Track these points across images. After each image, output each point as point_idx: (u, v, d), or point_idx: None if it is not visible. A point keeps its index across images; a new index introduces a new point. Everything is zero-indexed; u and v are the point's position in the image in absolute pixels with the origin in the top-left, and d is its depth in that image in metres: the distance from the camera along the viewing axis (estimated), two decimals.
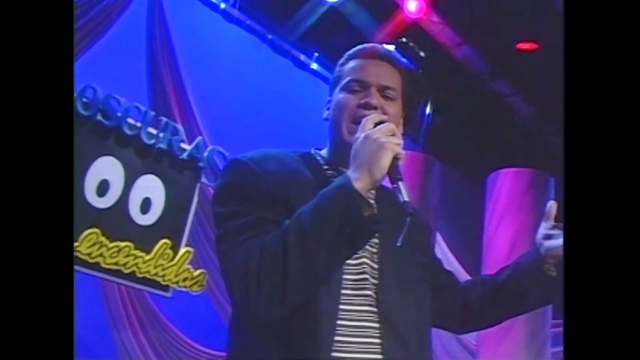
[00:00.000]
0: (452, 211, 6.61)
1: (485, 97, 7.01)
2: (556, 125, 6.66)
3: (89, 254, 4.01)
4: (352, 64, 1.70)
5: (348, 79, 1.67)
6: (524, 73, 6.68)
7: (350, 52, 1.73)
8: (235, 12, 5.47)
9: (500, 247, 5.84)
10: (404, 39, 6.24)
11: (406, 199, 1.48)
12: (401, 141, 1.51)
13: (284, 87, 5.94)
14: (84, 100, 4.00)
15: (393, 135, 1.51)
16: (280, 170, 1.61)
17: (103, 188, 4.09)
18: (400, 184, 1.49)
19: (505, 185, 6.05)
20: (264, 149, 1.68)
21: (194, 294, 4.45)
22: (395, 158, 1.49)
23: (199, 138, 4.49)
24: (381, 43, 6.06)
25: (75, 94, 3.95)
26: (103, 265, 4.07)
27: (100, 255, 4.04)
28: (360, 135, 1.52)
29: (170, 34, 5.00)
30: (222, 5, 5.63)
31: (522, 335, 5.72)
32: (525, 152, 6.58)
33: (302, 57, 6.38)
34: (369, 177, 1.47)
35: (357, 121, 1.60)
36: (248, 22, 5.79)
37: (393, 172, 1.50)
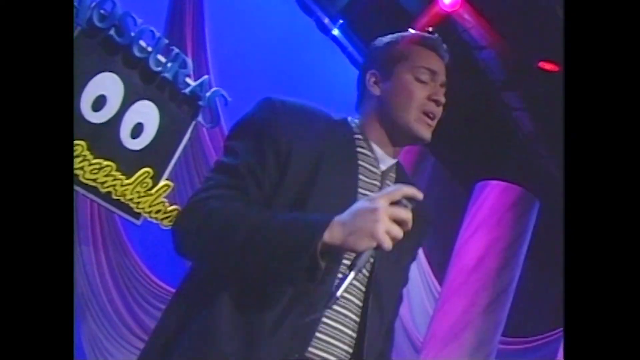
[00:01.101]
0: (434, 208, 6.62)
1: (493, 106, 6.98)
2: (553, 149, 6.67)
3: None
4: (417, 48, 1.68)
5: (420, 64, 1.64)
6: (537, 91, 6.65)
7: (409, 35, 1.72)
8: None
9: (468, 257, 5.87)
10: (430, 29, 6.19)
11: (338, 294, 1.36)
12: (400, 235, 1.39)
13: (300, 45, 5.87)
14: (102, 12, 3.93)
15: (400, 224, 1.39)
16: (309, 125, 1.58)
17: (99, 103, 4.03)
18: (351, 274, 1.38)
19: (491, 197, 6.06)
20: (303, 101, 1.65)
21: (163, 227, 4.44)
22: (376, 248, 1.38)
23: (206, 77, 4.43)
24: (410, 27, 6.03)
25: (93, 3, 3.88)
26: (81, 178, 4.03)
27: (81, 169, 4.00)
28: (375, 202, 1.39)
29: None
30: None
31: (470, 341, 5.78)
32: (518, 169, 6.58)
33: (326, 21, 6.29)
34: (339, 242, 1.37)
35: (424, 111, 1.62)
36: None
37: (357, 259, 1.38)
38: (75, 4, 3.82)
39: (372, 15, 6.09)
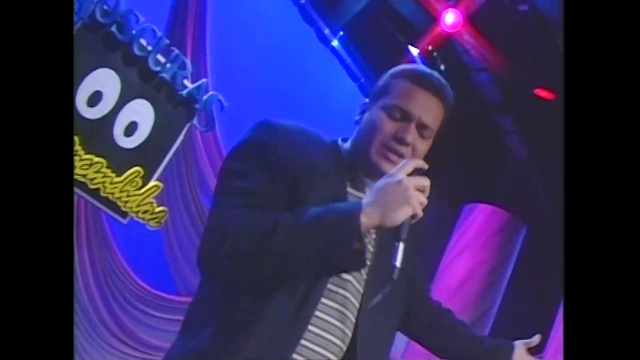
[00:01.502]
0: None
1: (486, 128, 7.00)
2: (544, 175, 6.70)
3: None
4: (402, 84, 1.66)
5: (393, 103, 1.64)
6: (532, 117, 6.68)
7: (406, 68, 1.70)
8: None
9: (451, 278, 5.88)
10: (429, 47, 6.20)
11: (397, 264, 1.46)
12: (426, 201, 1.50)
13: (299, 54, 5.87)
14: (105, 7, 3.91)
15: (422, 192, 1.50)
16: (305, 149, 1.61)
17: (95, 99, 4.01)
18: (400, 245, 1.47)
19: (479, 220, 6.08)
20: (298, 124, 1.67)
21: (149, 228, 4.41)
22: (412, 217, 1.47)
23: (204, 80, 4.42)
24: (411, 44, 6.05)
25: None
26: None
27: None
28: (396, 176, 1.50)
29: None
30: None
31: None
32: (507, 193, 6.60)
33: (326, 31, 6.30)
34: (378, 220, 1.46)
35: (387, 147, 1.62)
36: None
37: (400, 230, 1.48)
38: None
39: (374, 29, 6.11)
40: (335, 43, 6.34)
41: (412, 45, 6.14)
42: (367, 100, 1.75)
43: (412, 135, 1.62)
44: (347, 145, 1.71)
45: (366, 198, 1.50)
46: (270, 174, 1.54)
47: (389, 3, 6.00)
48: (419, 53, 6.13)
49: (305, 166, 1.58)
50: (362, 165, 1.66)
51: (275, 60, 5.51)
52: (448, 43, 6.22)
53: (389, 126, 1.62)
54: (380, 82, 1.73)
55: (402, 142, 1.62)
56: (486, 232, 5.98)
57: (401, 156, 1.62)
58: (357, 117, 1.73)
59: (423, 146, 1.66)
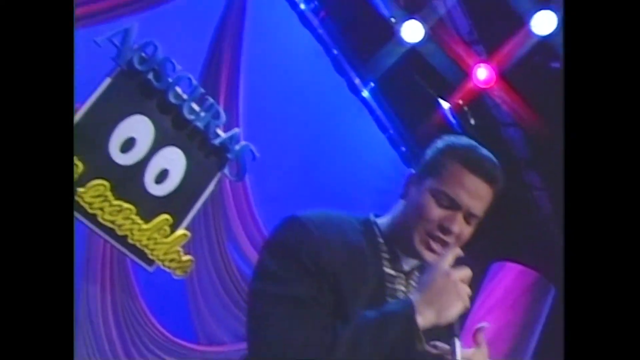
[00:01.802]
0: None
1: (515, 184, 6.92)
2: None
3: (90, 204, 3.91)
4: (452, 166, 1.61)
5: (442, 189, 1.59)
6: (560, 174, 6.59)
7: (458, 147, 1.64)
8: (314, 20, 5.39)
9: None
10: (460, 101, 6.17)
11: (458, 359, 1.44)
12: (471, 292, 1.50)
13: (330, 104, 5.86)
14: (143, 55, 3.91)
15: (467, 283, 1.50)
16: (338, 241, 1.57)
17: (128, 145, 3.99)
18: (457, 342, 1.46)
19: (507, 279, 5.97)
20: (324, 210, 1.64)
21: (175, 277, 4.35)
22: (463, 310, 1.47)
23: (237, 130, 4.40)
24: (442, 98, 6.02)
25: (135, 45, 3.87)
26: (99, 219, 3.97)
27: (101, 209, 3.94)
28: (442, 269, 1.49)
29: (245, 15, 4.91)
30: (302, 6, 5.54)
31: None
32: (535, 251, 6.49)
33: (357, 81, 6.30)
34: (435, 319, 1.45)
35: (431, 235, 1.57)
36: (320, 31, 5.70)
37: (455, 325, 1.47)
38: (117, 44, 3.82)
39: (405, 81, 6.10)
40: (365, 94, 6.34)
41: (443, 99, 6.11)
42: (412, 171, 1.70)
43: (458, 226, 1.58)
44: (385, 221, 1.66)
45: (414, 294, 1.47)
46: (311, 277, 1.50)
47: (422, 57, 5.99)
48: (449, 107, 6.10)
49: (342, 256, 1.54)
50: (402, 246, 1.63)
51: (305, 108, 5.50)
52: (479, 97, 6.19)
53: (435, 212, 1.57)
54: (429, 155, 1.67)
55: (447, 232, 1.57)
56: (515, 291, 5.87)
57: (445, 245, 1.57)
58: (401, 192, 1.68)
59: (467, 232, 1.62)
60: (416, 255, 1.61)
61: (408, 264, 1.66)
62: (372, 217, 1.69)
